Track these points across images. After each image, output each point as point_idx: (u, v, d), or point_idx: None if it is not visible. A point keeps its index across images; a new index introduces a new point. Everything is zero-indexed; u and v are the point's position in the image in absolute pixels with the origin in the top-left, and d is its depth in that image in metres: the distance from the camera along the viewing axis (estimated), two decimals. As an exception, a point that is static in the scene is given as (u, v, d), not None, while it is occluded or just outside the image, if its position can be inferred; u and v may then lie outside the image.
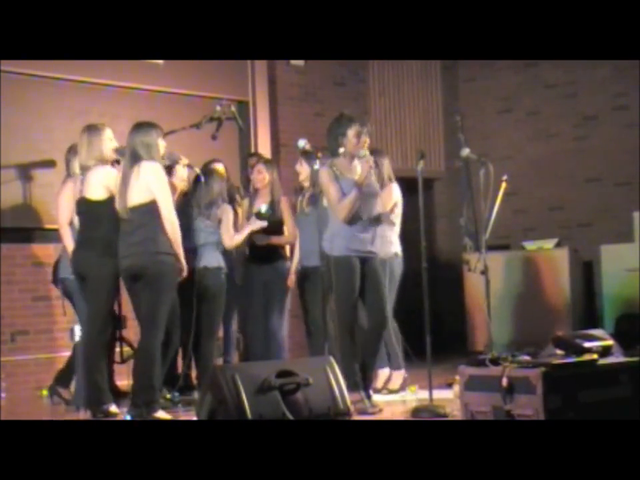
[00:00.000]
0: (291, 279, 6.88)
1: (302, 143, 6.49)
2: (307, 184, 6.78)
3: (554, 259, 9.27)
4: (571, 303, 9.11)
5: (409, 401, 6.32)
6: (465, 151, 6.12)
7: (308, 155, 6.58)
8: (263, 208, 6.67)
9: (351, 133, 5.80)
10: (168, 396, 6.30)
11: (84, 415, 5.96)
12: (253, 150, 8.68)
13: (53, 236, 6.93)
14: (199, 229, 6.40)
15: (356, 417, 5.13)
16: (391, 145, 9.97)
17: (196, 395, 6.22)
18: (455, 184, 10.40)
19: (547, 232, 9.81)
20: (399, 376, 6.76)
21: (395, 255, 6.70)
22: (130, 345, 6.85)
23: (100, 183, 5.81)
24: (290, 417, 4.62)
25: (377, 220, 5.93)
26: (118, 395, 6.22)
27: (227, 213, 6.48)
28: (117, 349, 6.73)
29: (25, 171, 7.58)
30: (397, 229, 6.81)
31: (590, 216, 9.89)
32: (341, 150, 5.81)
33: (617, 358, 4.75)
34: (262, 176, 6.90)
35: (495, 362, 4.61)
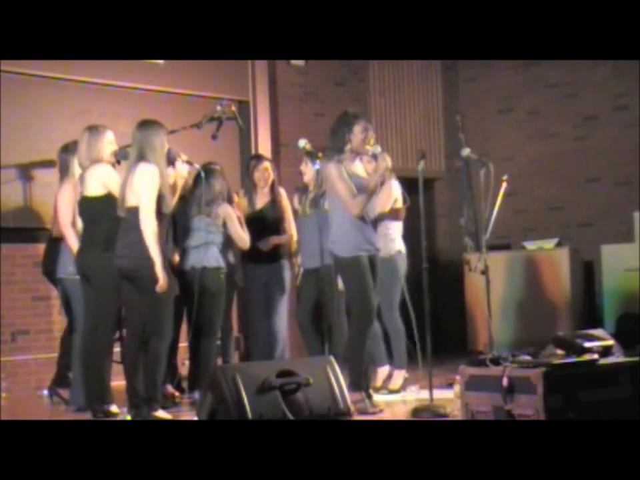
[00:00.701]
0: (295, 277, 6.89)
1: (302, 143, 6.49)
2: (311, 184, 6.77)
3: (554, 259, 9.27)
4: (571, 302, 9.12)
5: (409, 401, 6.31)
6: (465, 151, 6.12)
7: (311, 155, 6.57)
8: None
9: (358, 129, 5.79)
10: (176, 393, 6.36)
11: (84, 415, 5.96)
12: (253, 150, 8.67)
13: (53, 236, 6.92)
14: (197, 228, 6.34)
15: (356, 417, 5.13)
16: (391, 145, 9.95)
17: (196, 394, 6.23)
18: (455, 184, 10.41)
19: (548, 232, 9.81)
20: (399, 375, 6.76)
21: (398, 252, 6.70)
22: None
23: (97, 180, 5.82)
24: (290, 416, 4.62)
25: (380, 217, 5.94)
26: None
27: (230, 215, 6.39)
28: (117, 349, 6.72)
29: (25, 171, 7.57)
30: (399, 225, 6.80)
31: (590, 216, 9.88)
32: (347, 147, 5.80)
33: (617, 358, 4.75)
34: (267, 174, 6.90)
35: (496, 362, 4.61)
